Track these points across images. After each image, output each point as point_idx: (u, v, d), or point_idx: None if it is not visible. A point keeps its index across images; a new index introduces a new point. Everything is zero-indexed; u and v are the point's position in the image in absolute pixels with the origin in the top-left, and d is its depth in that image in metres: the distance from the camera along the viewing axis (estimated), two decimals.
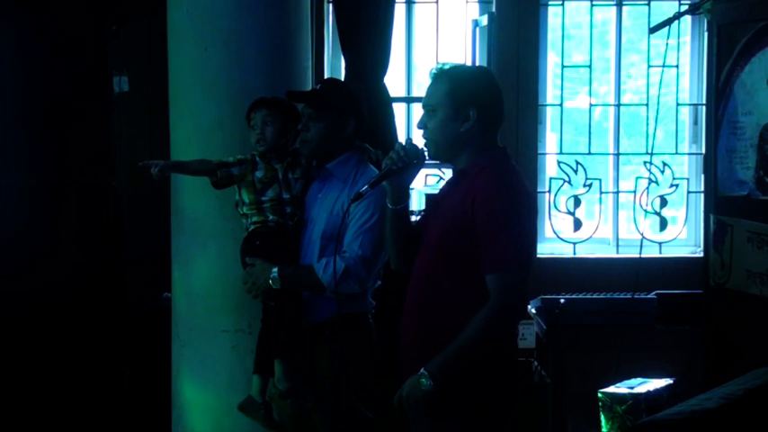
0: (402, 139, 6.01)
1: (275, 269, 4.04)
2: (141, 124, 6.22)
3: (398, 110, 6.38)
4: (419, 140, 3.58)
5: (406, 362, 3.51)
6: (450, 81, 3.47)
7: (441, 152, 3.52)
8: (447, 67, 3.54)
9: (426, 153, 3.53)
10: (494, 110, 3.50)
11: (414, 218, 4.44)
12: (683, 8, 5.57)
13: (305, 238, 4.15)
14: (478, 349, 3.35)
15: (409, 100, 6.60)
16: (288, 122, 4.21)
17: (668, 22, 4.75)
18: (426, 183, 6.39)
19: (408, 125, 6.61)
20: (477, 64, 6.25)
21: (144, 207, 6.07)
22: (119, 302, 5.99)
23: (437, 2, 6.58)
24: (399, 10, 6.34)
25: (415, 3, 6.64)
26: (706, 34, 4.79)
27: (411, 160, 3.47)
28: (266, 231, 4.18)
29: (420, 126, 3.53)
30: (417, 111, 6.61)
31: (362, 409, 4.10)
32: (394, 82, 6.37)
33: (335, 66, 6.54)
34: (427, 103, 3.51)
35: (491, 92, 3.51)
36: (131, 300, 6.02)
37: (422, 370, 3.35)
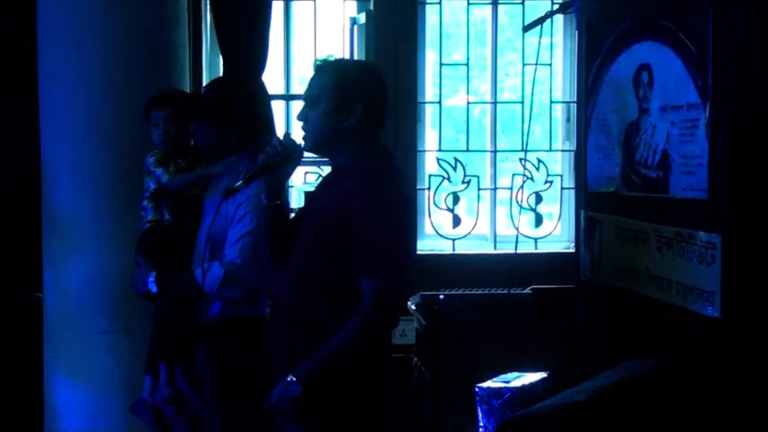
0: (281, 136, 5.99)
1: (153, 274, 3.99)
2: (10, 121, 6.08)
3: (277, 107, 6.36)
4: (297, 137, 3.46)
5: (278, 362, 3.41)
6: (335, 73, 3.38)
7: (319, 145, 3.41)
8: (332, 59, 3.47)
9: (303, 146, 3.42)
10: (379, 107, 3.41)
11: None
12: (556, 7, 5.65)
13: (198, 239, 4.08)
14: (349, 354, 3.24)
15: (288, 97, 6.59)
16: (187, 119, 4.14)
17: (540, 21, 4.82)
18: (306, 180, 6.37)
19: (288, 122, 6.59)
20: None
21: (10, 203, 5.95)
22: None
23: None
24: (277, 7, 6.31)
25: (292, 0, 6.61)
26: (577, 33, 4.87)
27: (288, 156, 3.36)
28: (161, 231, 4.14)
29: (300, 118, 3.41)
30: (296, 108, 6.57)
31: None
32: (272, 79, 6.35)
33: (214, 63, 6.49)
34: (310, 94, 3.39)
35: (378, 89, 3.42)
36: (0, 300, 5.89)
37: (289, 376, 3.24)
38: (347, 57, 6.30)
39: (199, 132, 4.04)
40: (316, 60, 3.48)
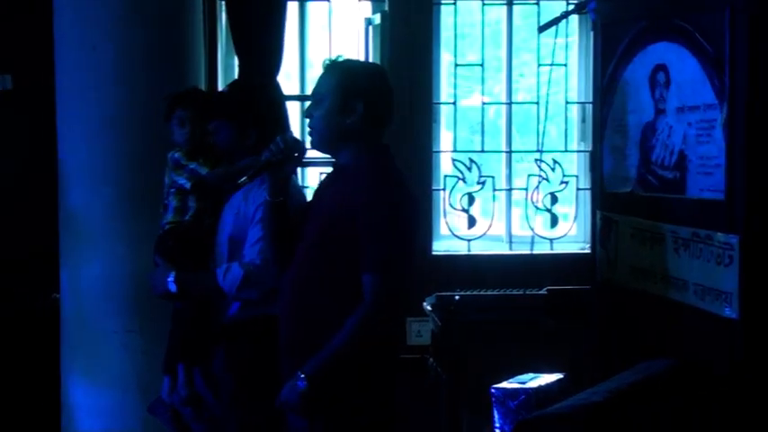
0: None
1: (172, 273, 3.99)
2: (24, 122, 6.09)
3: (292, 108, 6.36)
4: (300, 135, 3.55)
5: (285, 360, 3.47)
6: (341, 73, 3.45)
7: (324, 143, 3.49)
8: (341, 59, 3.54)
9: (309, 143, 3.51)
10: (382, 108, 3.48)
11: None
12: (571, 8, 5.64)
13: (218, 239, 4.07)
14: (353, 350, 3.30)
15: (303, 98, 6.58)
16: (206, 118, 4.16)
17: (555, 22, 4.81)
18: (320, 180, 6.37)
19: (303, 123, 6.58)
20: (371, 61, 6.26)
21: (29, 205, 5.97)
22: (2, 303, 5.88)
23: (330, 0, 6.57)
24: (292, 8, 6.32)
25: (307, 1, 6.62)
26: (592, 33, 4.86)
27: (291, 153, 3.43)
28: (180, 232, 4.12)
29: (306, 115, 3.51)
30: None
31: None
32: (287, 80, 6.35)
33: (229, 64, 6.50)
34: (316, 92, 3.48)
35: (381, 89, 3.49)
36: (17, 301, 5.91)
37: (298, 372, 3.29)
38: (362, 57, 6.31)
39: (219, 131, 4.04)
40: (325, 60, 3.55)
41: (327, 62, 3.52)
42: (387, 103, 3.51)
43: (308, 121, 3.50)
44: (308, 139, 3.56)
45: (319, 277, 3.39)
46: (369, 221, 3.30)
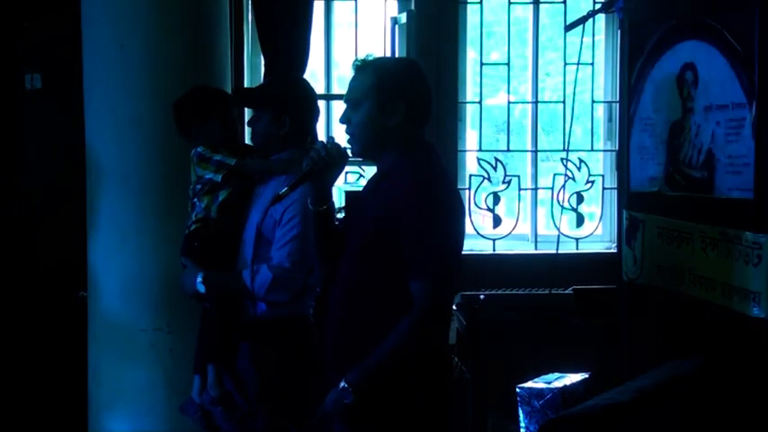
0: (321, 136, 5.99)
1: (201, 274, 3.98)
2: (54, 121, 6.14)
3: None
4: (340, 139, 3.38)
5: (331, 368, 3.34)
6: (375, 73, 3.26)
7: (366, 149, 3.31)
8: (371, 58, 3.35)
9: (349, 151, 3.34)
10: (422, 105, 3.31)
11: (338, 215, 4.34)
12: (598, 6, 5.63)
13: (244, 236, 4.05)
14: (401, 359, 3.15)
15: (329, 97, 6.60)
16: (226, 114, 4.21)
17: (582, 21, 4.79)
18: (347, 180, 6.38)
19: (328, 123, 6.60)
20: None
21: (58, 204, 6.01)
22: (31, 301, 5.92)
23: None
24: (318, 7, 6.34)
25: (333, 0, 6.63)
26: (619, 32, 4.85)
27: (333, 160, 3.26)
28: (206, 233, 4.09)
29: (343, 121, 3.32)
30: (337, 108, 6.61)
31: (289, 424, 3.98)
32: (313, 79, 6.36)
33: (255, 63, 6.52)
34: (351, 96, 3.30)
35: (420, 86, 3.32)
36: (46, 298, 5.94)
37: (342, 383, 3.16)
38: (388, 56, 6.32)
39: (256, 122, 4.03)
40: (355, 60, 3.38)
41: (358, 63, 3.35)
42: (427, 100, 3.34)
43: (344, 127, 3.34)
44: (347, 147, 3.37)
45: (364, 282, 3.26)
46: (414, 226, 3.15)
